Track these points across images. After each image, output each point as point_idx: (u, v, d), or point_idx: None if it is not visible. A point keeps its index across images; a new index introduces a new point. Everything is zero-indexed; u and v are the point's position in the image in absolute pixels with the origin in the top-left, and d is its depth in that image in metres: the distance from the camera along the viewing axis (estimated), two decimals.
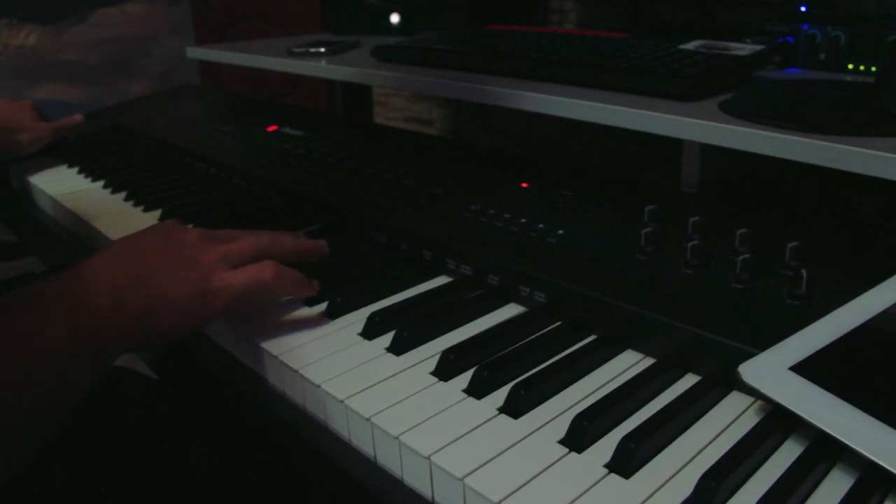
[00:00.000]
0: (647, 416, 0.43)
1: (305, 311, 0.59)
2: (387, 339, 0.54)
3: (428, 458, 0.42)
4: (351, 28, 1.37)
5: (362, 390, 0.48)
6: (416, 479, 0.43)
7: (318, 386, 0.49)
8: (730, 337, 0.47)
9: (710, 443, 0.43)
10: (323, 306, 0.59)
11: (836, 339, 0.46)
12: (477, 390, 0.48)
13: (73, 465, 0.62)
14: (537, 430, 0.44)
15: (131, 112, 1.28)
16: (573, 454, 0.42)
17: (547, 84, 0.87)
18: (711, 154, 0.80)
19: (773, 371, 0.43)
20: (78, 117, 1.11)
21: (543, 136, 1.56)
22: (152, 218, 0.82)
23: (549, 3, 1.45)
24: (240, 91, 1.98)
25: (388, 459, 0.45)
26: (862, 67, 0.86)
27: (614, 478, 0.40)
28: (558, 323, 0.55)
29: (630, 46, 0.90)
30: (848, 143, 0.60)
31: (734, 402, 0.46)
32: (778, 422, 0.43)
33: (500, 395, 0.47)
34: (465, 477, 0.40)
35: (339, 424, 0.48)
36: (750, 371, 0.43)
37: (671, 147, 0.81)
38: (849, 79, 0.85)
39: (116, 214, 0.84)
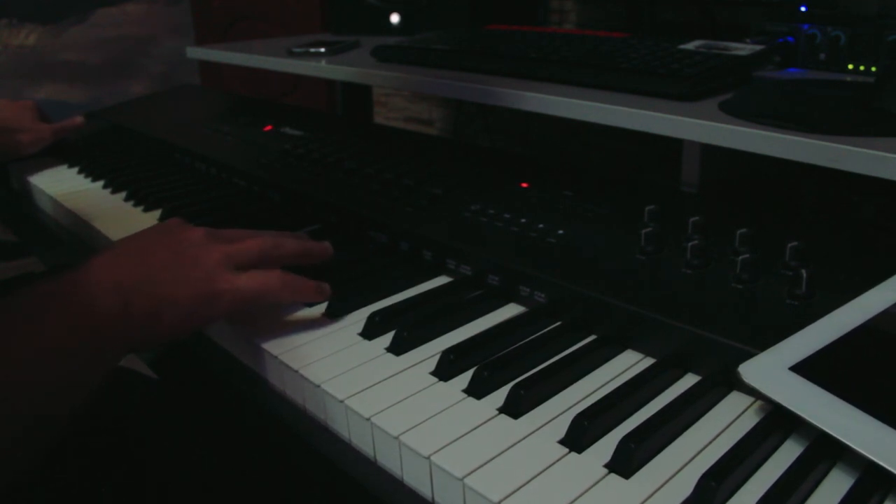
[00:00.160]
0: (647, 416, 0.43)
1: (305, 311, 0.59)
2: (387, 339, 0.54)
3: (428, 458, 0.42)
4: (351, 28, 1.37)
5: (362, 390, 0.48)
6: (415, 479, 0.43)
7: (318, 386, 0.49)
8: (730, 337, 0.47)
9: (710, 443, 0.43)
10: (323, 306, 0.59)
11: (836, 339, 0.46)
12: (477, 390, 0.48)
13: (73, 465, 0.62)
14: (537, 430, 0.44)
15: (131, 112, 1.28)
16: (573, 454, 0.42)
17: (547, 84, 0.87)
18: (711, 154, 0.80)
19: (773, 371, 0.43)
20: (79, 119, 1.11)
21: (543, 136, 1.56)
22: (152, 218, 0.82)
23: (549, 3, 1.45)
24: (240, 91, 1.98)
25: (388, 459, 0.45)
26: (862, 67, 0.86)
27: (614, 478, 0.40)
28: (558, 323, 0.55)
29: (630, 46, 0.90)
30: (848, 143, 0.60)
31: (734, 402, 0.46)
32: (778, 422, 0.43)
33: (500, 395, 0.47)
34: (465, 477, 0.40)
35: (339, 424, 0.48)
36: (750, 371, 0.43)
37: (671, 147, 0.81)
38: (849, 79, 0.85)
39: (116, 214, 0.84)
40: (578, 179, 0.74)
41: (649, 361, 0.51)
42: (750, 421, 0.44)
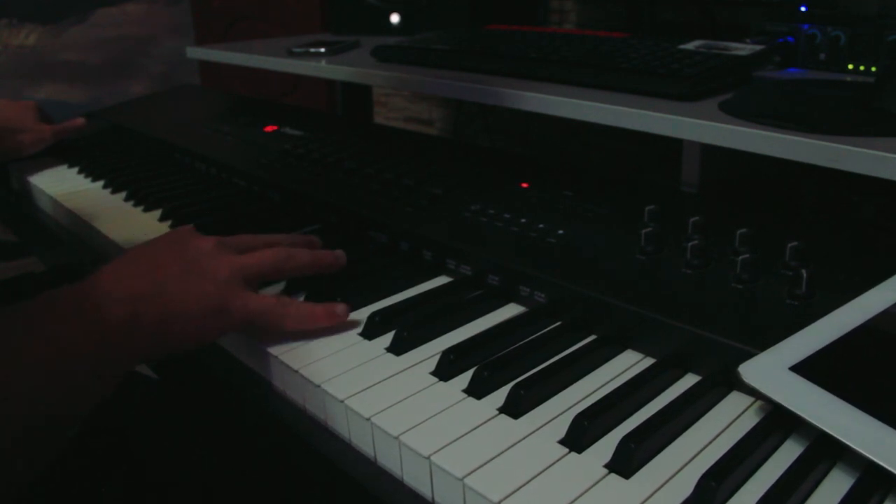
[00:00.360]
0: (647, 416, 0.43)
1: None
2: (387, 339, 0.54)
3: (428, 458, 0.42)
4: (351, 28, 1.37)
5: (362, 390, 0.48)
6: (416, 479, 0.43)
7: (319, 386, 0.49)
8: (730, 337, 0.47)
9: (710, 443, 0.43)
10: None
11: (836, 339, 0.46)
12: (477, 390, 0.48)
13: (74, 465, 0.62)
14: (537, 430, 0.44)
15: (131, 112, 1.28)
16: (573, 454, 0.42)
17: (547, 84, 0.87)
18: (711, 154, 0.80)
19: (773, 371, 0.43)
20: (80, 121, 1.11)
21: (543, 136, 1.56)
22: (152, 218, 0.82)
23: (549, 3, 1.45)
24: (240, 91, 1.98)
25: (388, 459, 0.45)
26: (862, 67, 0.86)
27: (614, 478, 0.40)
28: (558, 323, 0.55)
29: (630, 46, 0.90)
30: (848, 143, 0.60)
31: (734, 402, 0.46)
32: (778, 422, 0.43)
33: (500, 395, 0.47)
34: (465, 477, 0.40)
35: (340, 424, 0.48)
36: (750, 371, 0.43)
37: (671, 147, 0.81)
38: (849, 79, 0.85)
39: (116, 214, 0.84)
40: (578, 179, 0.74)
41: (649, 361, 0.51)
42: (750, 421, 0.44)
